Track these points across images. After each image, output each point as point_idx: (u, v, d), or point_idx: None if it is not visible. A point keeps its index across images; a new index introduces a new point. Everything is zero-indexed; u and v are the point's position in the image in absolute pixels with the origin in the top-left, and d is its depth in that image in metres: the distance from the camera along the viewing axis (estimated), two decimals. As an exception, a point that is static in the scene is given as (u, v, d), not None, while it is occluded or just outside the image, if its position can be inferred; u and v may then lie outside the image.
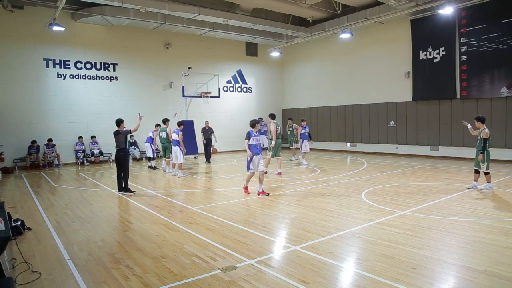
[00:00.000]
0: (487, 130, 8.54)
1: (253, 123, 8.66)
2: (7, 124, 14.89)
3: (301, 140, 14.40)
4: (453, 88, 15.02)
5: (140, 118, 9.97)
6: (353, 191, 9.00)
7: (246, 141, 8.59)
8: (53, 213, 7.51)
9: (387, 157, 16.59)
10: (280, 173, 11.90)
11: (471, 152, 14.78)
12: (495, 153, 14.06)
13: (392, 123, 17.53)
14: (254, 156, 8.53)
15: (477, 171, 8.83)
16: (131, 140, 17.23)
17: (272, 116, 12.47)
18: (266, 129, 15.96)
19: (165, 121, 13.46)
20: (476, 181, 8.86)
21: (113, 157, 16.28)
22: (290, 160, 15.80)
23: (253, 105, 22.46)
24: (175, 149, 12.24)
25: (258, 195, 8.66)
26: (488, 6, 13.68)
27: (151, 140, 14.40)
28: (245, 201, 8.34)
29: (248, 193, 8.83)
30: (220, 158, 18.02)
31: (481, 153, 8.50)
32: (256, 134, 8.61)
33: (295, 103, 22.89)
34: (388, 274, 4.16)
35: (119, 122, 9.43)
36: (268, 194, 8.66)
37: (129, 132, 9.47)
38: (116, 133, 9.33)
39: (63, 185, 11.27)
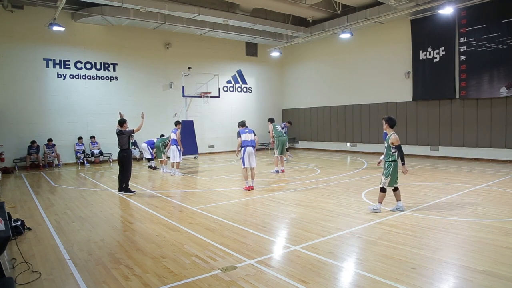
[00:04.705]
0: (396, 135, 6.80)
1: (243, 123, 9.93)
2: (7, 124, 14.88)
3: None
4: (453, 88, 15.01)
5: (142, 117, 9.97)
6: (353, 191, 8.99)
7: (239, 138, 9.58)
8: (53, 213, 7.51)
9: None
10: (283, 171, 12.41)
11: (470, 152, 14.89)
12: (495, 153, 14.15)
13: (392, 123, 17.51)
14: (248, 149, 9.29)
15: (395, 188, 6.93)
16: (131, 140, 17.17)
17: (271, 120, 13.32)
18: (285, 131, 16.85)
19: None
20: (400, 199, 7.00)
21: (113, 157, 16.30)
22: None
23: (253, 105, 22.46)
24: (173, 148, 12.35)
25: (247, 189, 9.33)
26: (488, 6, 13.67)
27: (149, 142, 14.37)
28: (245, 201, 8.34)
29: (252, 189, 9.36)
30: (220, 158, 18.02)
31: (393, 162, 6.80)
32: (248, 131, 9.54)
33: (295, 103, 22.89)
34: (388, 274, 4.16)
35: (122, 122, 9.43)
36: (251, 189, 9.36)
37: (132, 132, 9.47)
38: (119, 133, 9.33)
39: (63, 185, 11.27)
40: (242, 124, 9.88)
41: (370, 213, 6.84)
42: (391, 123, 6.88)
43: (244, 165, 9.31)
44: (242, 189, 9.43)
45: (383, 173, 6.88)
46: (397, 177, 6.88)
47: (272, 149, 12.76)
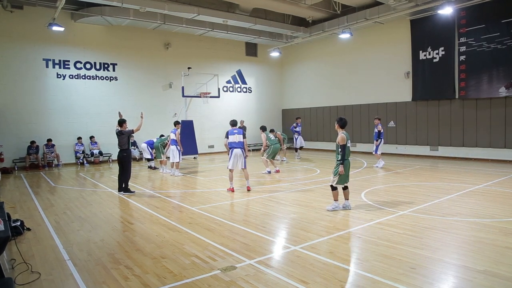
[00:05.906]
0: (342, 135, 6.98)
1: (233, 123, 9.66)
2: (7, 124, 14.87)
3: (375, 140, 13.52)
4: (452, 88, 15.02)
5: (142, 117, 9.97)
6: (353, 191, 8.93)
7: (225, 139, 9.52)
8: (53, 213, 7.50)
9: (387, 157, 16.55)
10: (278, 171, 12.52)
11: (470, 152, 14.90)
12: (495, 153, 14.15)
13: (392, 123, 17.54)
14: (235, 151, 9.18)
15: (345, 187, 7.17)
16: (131, 140, 17.15)
17: (263, 128, 13.03)
18: (298, 130, 16.97)
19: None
20: (348, 198, 7.23)
21: (113, 157, 16.29)
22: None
23: (253, 105, 22.46)
24: (173, 148, 12.37)
25: (231, 190, 9.26)
26: (488, 6, 13.68)
27: (149, 142, 14.36)
28: (245, 201, 8.34)
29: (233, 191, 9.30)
30: (219, 158, 18.01)
31: (341, 163, 6.91)
32: (236, 131, 9.31)
33: (294, 103, 22.89)
34: (388, 274, 4.16)
35: (121, 123, 9.43)
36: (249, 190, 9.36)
37: (132, 132, 9.47)
38: (119, 134, 9.32)
39: (63, 185, 11.26)
40: (232, 123, 9.60)
41: (367, 212, 6.85)
42: (341, 124, 7.14)
43: (229, 166, 9.26)
44: (226, 190, 9.35)
45: (333, 172, 7.13)
46: (347, 175, 7.10)
47: (265, 150, 12.74)
